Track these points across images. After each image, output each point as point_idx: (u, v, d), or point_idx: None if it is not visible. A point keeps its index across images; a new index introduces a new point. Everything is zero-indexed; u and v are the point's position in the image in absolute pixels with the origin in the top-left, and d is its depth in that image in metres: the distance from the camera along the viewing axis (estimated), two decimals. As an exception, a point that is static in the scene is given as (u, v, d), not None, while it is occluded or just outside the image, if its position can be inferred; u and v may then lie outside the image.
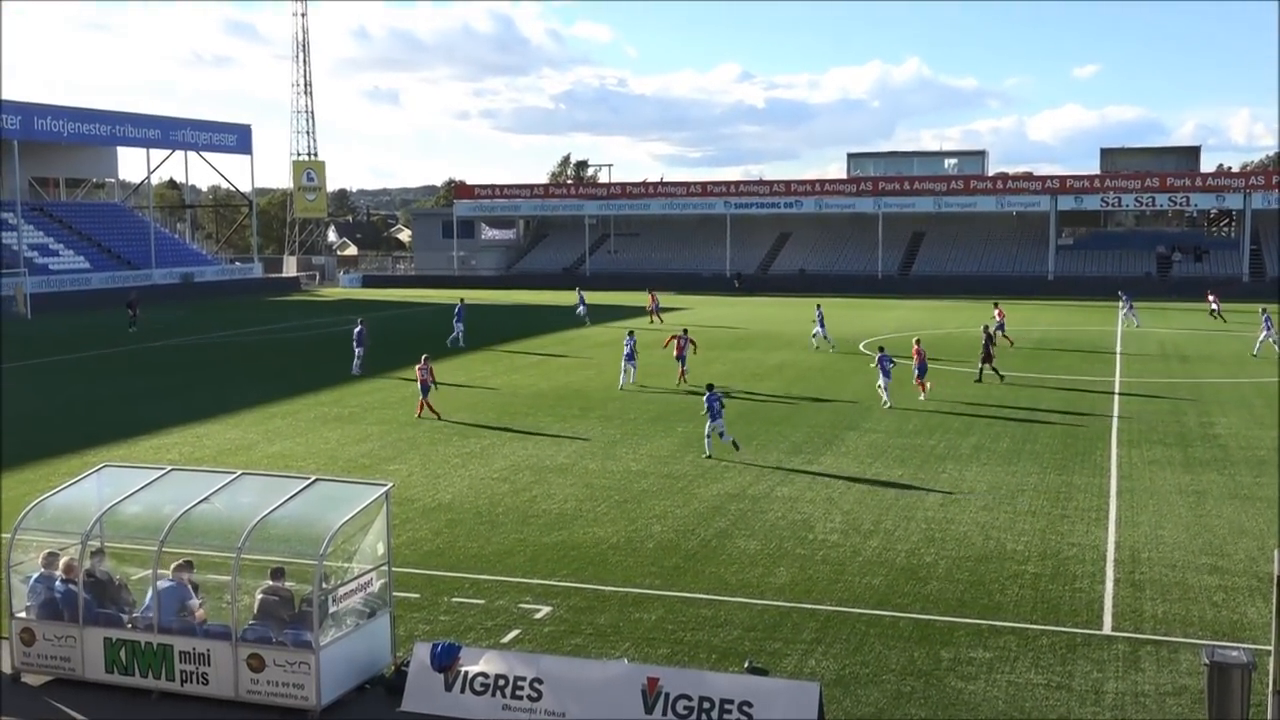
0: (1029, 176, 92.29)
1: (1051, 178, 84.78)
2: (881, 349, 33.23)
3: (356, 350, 39.22)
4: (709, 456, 24.93)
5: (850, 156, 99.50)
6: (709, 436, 25.41)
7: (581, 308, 57.36)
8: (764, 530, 19.59)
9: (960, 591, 16.48)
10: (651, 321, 55.18)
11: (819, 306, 48.81)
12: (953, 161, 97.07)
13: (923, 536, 19.17)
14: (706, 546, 18.72)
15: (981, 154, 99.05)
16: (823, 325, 45.56)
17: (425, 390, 30.43)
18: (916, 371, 32.74)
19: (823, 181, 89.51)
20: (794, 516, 20.43)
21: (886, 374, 31.45)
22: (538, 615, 15.65)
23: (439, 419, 29.72)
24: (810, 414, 30.49)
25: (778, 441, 26.89)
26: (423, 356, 31.32)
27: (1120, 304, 53.71)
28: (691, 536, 19.27)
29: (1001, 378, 36.10)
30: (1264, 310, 45.13)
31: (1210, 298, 57.70)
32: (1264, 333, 42.72)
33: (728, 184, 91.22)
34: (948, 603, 16.03)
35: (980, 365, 36.37)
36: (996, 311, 47.61)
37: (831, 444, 26.63)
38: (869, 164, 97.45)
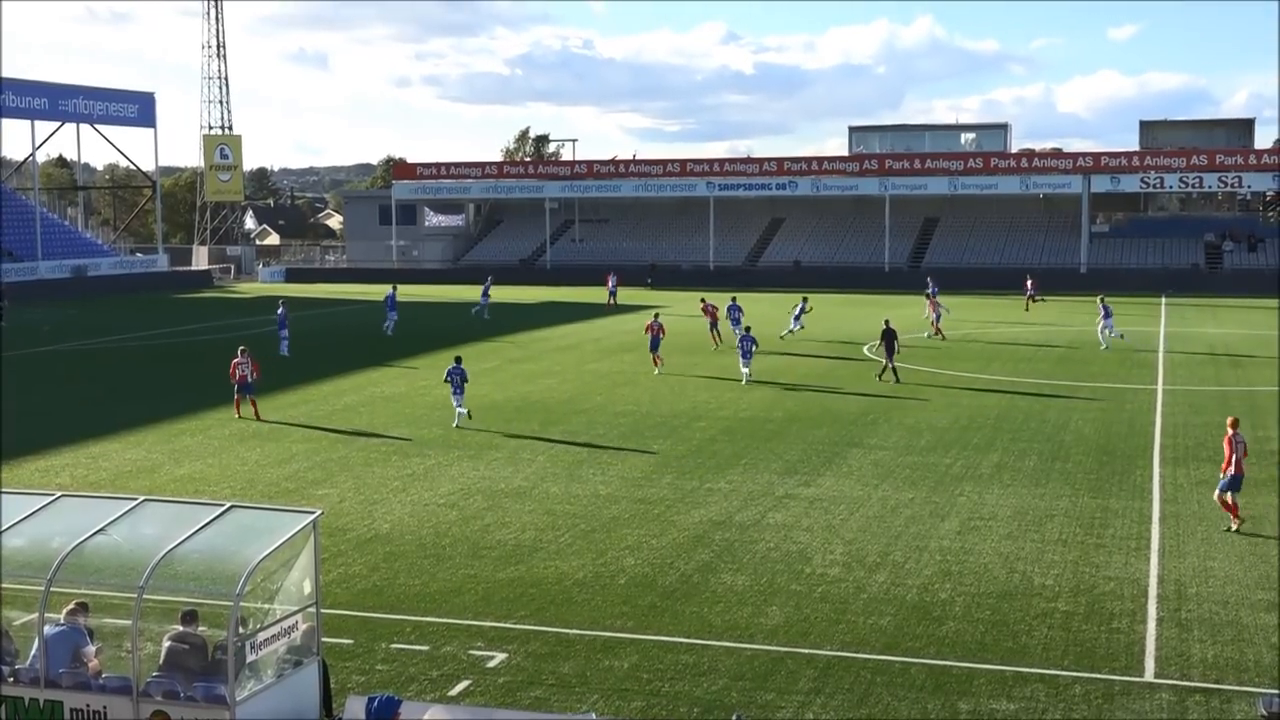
0: (1058, 154, 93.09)
1: (1084, 155, 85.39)
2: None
3: (281, 333, 44.88)
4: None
5: (852, 131, 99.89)
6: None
7: (484, 300, 59.55)
8: (754, 563, 19.62)
9: (980, 633, 16.56)
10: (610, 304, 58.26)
11: (805, 299, 52.08)
12: (970, 136, 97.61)
13: (937, 570, 19.25)
14: (687, 582, 18.74)
15: (1003, 128, 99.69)
16: (797, 319, 48.94)
17: (246, 388, 32.75)
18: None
19: (821, 159, 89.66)
20: (788, 547, 20.48)
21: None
22: (491, 663, 15.63)
23: (256, 419, 32.10)
24: (806, 428, 30.59)
25: (769, 460, 26.97)
26: (239, 349, 33.66)
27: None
28: (670, 571, 19.29)
29: (891, 374, 38.06)
30: (1102, 299, 48.28)
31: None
32: (1101, 321, 46.87)
33: (711, 162, 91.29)
34: (966, 646, 16.10)
35: (886, 363, 38.47)
36: (929, 304, 51.16)
37: (831, 463, 26.72)
38: (874, 139, 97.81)
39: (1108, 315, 46.73)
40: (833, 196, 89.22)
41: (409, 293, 72.50)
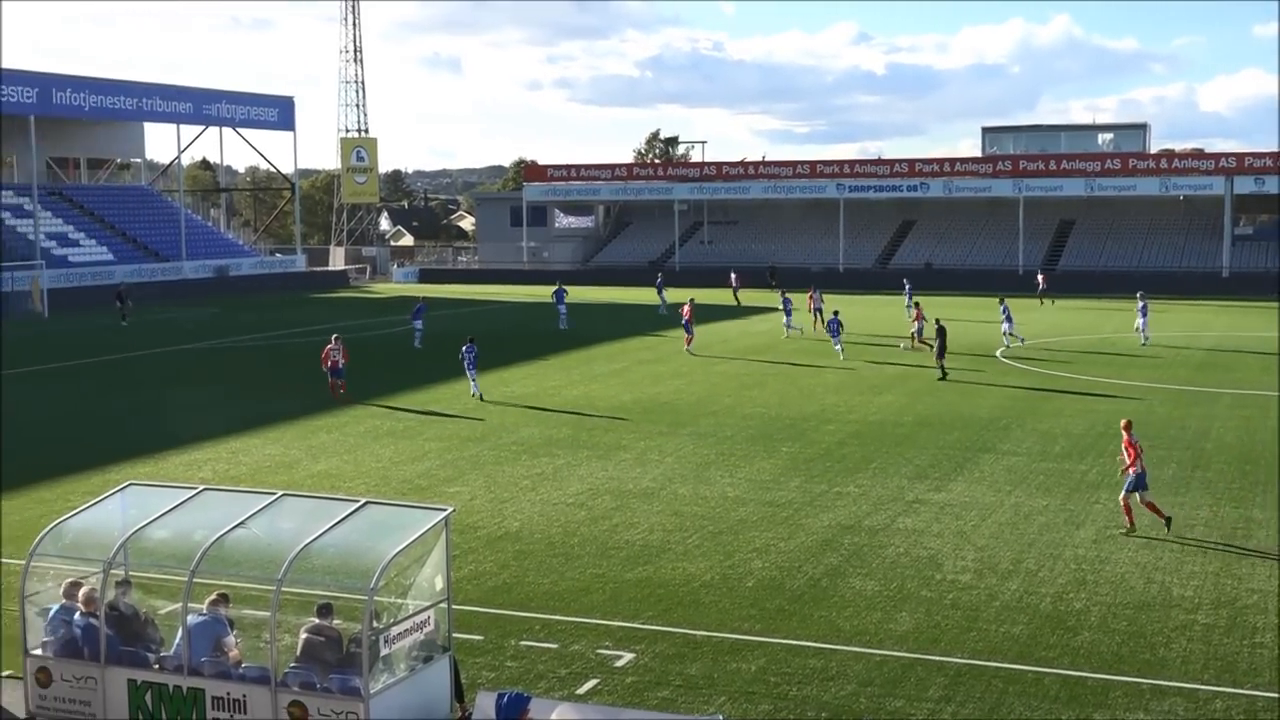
0: (1199, 154, 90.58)
1: (1226, 155, 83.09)
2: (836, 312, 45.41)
3: (415, 323, 47.65)
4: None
5: (985, 131, 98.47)
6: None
7: (561, 308, 56.27)
8: (883, 568, 19.45)
9: (1116, 644, 16.20)
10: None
11: (910, 291, 55.24)
12: (1108, 137, 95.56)
13: (1072, 578, 18.88)
14: (815, 586, 18.64)
15: (1142, 128, 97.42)
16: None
17: (337, 373, 35.62)
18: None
19: (953, 160, 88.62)
20: (918, 553, 20.26)
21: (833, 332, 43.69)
22: (619, 663, 15.69)
23: (337, 395, 35.19)
24: (938, 433, 30.22)
25: (899, 465, 26.70)
26: (333, 336, 36.64)
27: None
28: (798, 574, 19.20)
29: (944, 375, 38.61)
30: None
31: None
32: (1140, 320, 48.14)
33: (841, 164, 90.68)
34: (1101, 657, 15.77)
35: (940, 363, 39.02)
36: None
37: (963, 468, 26.37)
38: (1008, 140, 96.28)
39: (1144, 313, 47.71)
40: (965, 198, 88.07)
41: (539, 294, 73.21)
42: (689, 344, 46.31)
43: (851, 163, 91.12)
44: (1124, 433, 21.78)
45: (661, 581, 18.88)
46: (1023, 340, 47.91)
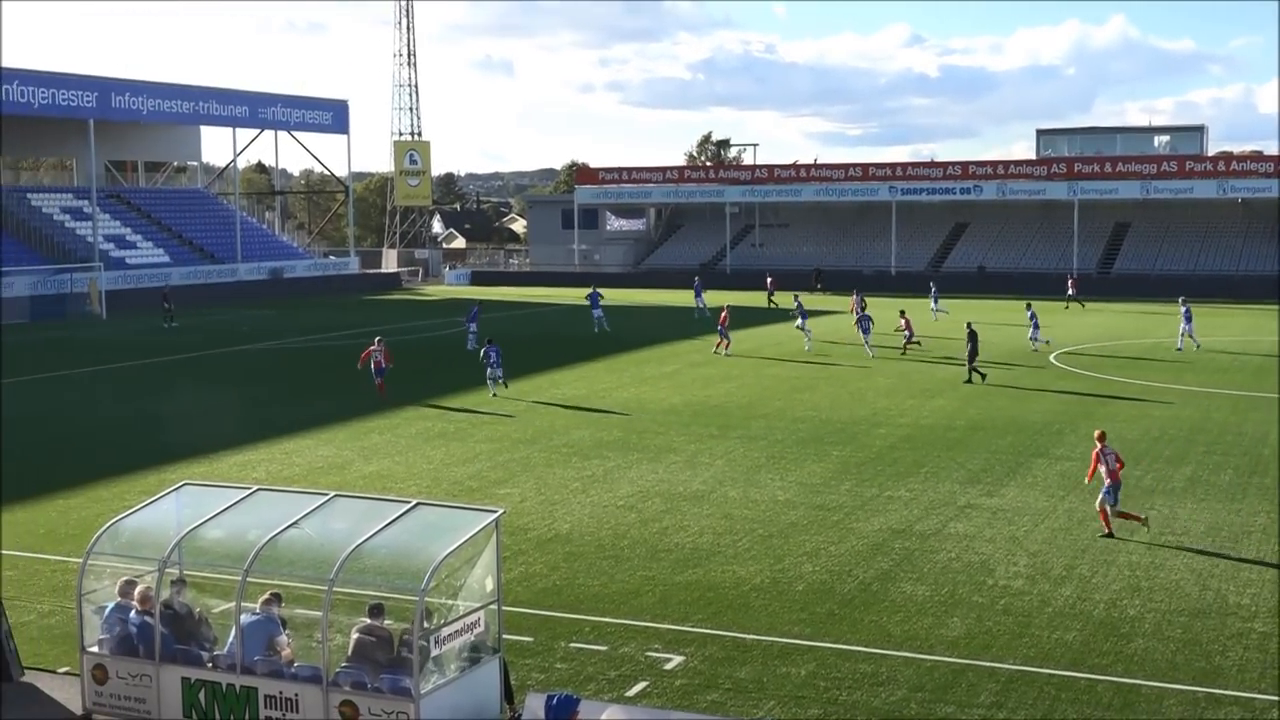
0: (1258, 156, 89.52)
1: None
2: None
3: (470, 326, 47.63)
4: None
5: (1040, 134, 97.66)
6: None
7: (597, 312, 55.78)
8: (934, 573, 19.34)
9: (1171, 652, 16.03)
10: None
11: (936, 294, 54.70)
12: (1164, 139, 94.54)
13: (1126, 585, 18.70)
14: (866, 591, 18.57)
15: (1199, 130, 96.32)
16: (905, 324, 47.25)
17: (380, 372, 36.41)
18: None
19: (1007, 163, 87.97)
20: (970, 558, 20.13)
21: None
22: (668, 665, 15.69)
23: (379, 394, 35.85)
24: (990, 437, 30.02)
25: (951, 470, 26.55)
26: (376, 338, 37.18)
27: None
28: (848, 579, 19.13)
29: (983, 377, 38.44)
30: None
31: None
32: (1183, 325, 47.19)
33: (893, 166, 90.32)
34: (1156, 665, 15.60)
35: (969, 366, 38.81)
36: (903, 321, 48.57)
37: (1016, 473, 26.18)
38: (1062, 142, 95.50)
39: (1189, 319, 47.08)
40: (1019, 201, 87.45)
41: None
42: (726, 348, 46.13)
43: (904, 165, 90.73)
44: (1096, 443, 21.74)
45: (711, 584, 18.86)
46: (1048, 342, 47.65)
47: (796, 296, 54.82)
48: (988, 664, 15.65)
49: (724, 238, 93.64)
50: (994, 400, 35.52)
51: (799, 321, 49.89)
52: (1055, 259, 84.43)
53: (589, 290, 58.74)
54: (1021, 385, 38.28)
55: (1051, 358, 44.76)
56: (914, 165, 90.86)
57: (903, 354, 45.71)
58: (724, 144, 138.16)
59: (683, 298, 67.99)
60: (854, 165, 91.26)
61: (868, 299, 56.20)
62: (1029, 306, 48.97)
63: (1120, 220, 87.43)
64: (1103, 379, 39.54)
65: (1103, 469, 21.40)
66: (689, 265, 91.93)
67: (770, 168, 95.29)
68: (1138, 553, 20.32)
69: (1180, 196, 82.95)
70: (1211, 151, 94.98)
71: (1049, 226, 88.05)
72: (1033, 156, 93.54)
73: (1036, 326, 47.32)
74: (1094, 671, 15.39)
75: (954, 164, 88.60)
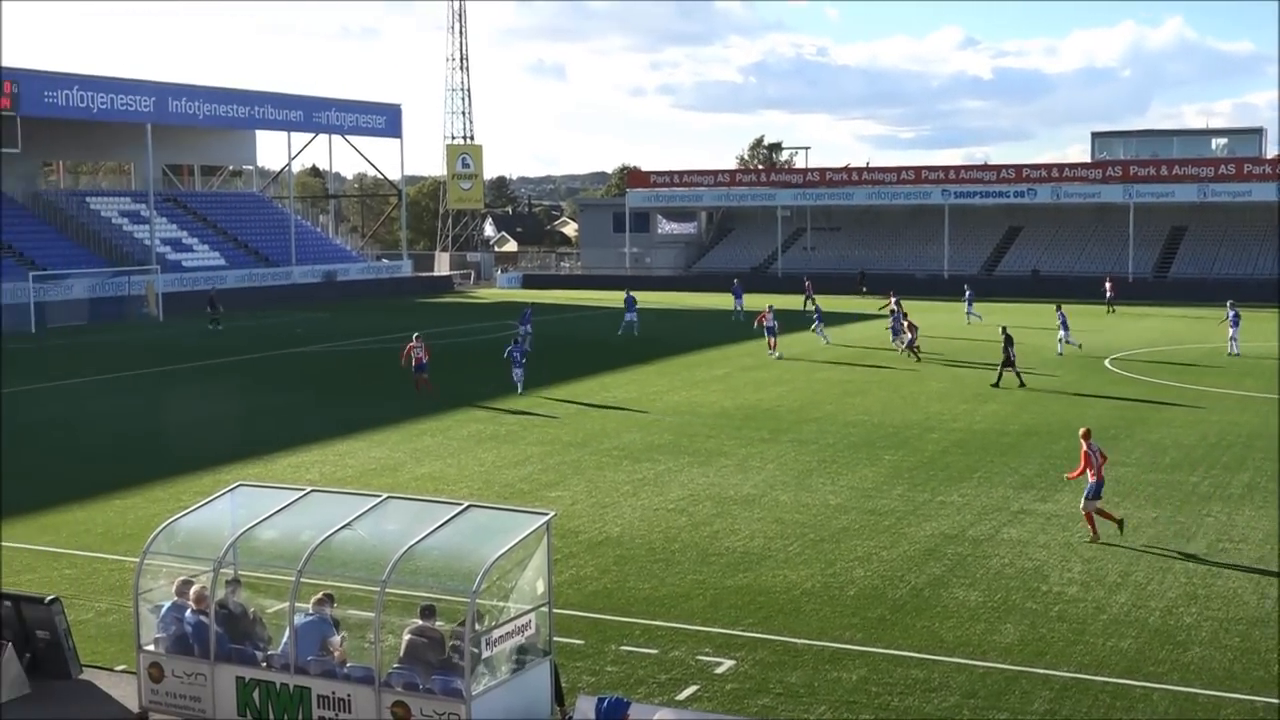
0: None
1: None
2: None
3: (522, 329, 47.48)
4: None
5: (1095, 136, 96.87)
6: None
7: (630, 315, 56.08)
8: (987, 579, 19.20)
9: (1229, 661, 15.82)
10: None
11: (971, 298, 57.03)
12: (1221, 141, 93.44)
13: (1182, 592, 18.49)
14: (918, 596, 18.46)
15: (1258, 132, 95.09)
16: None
17: (420, 368, 37.35)
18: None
19: (1061, 166, 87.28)
20: (1023, 564, 19.97)
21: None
22: (719, 670, 15.66)
23: (418, 391, 36.87)
24: (1044, 442, 29.76)
25: (1004, 474, 26.34)
26: (414, 335, 38.29)
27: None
28: (900, 584, 19.03)
29: (1020, 382, 38.19)
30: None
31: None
32: (1231, 329, 46.99)
33: (946, 169, 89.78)
34: (1213, 674, 15.41)
35: (1000, 369, 38.75)
36: (893, 301, 51.39)
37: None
38: (1118, 145, 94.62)
39: (1236, 323, 46.87)
40: (1074, 204, 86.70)
41: (642, 300, 73.44)
42: (773, 348, 46.66)
43: (957, 168, 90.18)
44: (1082, 441, 21.72)
45: (762, 589, 18.81)
46: (1079, 345, 47.29)
47: (811, 296, 54.94)
48: (1041, 671, 15.51)
49: (775, 241, 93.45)
50: (1048, 405, 35.21)
51: (817, 327, 50.65)
52: (1110, 263, 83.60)
53: (625, 293, 59.09)
54: (1076, 390, 37.94)
55: (1106, 362, 44.33)
56: (967, 168, 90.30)
57: (910, 355, 45.34)
58: (775, 147, 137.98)
59: (732, 301, 67.87)
60: (906, 168, 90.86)
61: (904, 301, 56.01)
62: (1059, 309, 48.76)
63: (1176, 224, 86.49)
64: (1158, 384, 39.13)
65: (1090, 467, 21.38)
66: (740, 269, 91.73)
67: (822, 171, 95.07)
68: (1194, 560, 20.09)
69: (1238, 200, 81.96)
70: (1270, 154, 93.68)
71: (1104, 230, 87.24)
72: (1088, 159, 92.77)
73: (1066, 329, 47.04)
74: (1149, 680, 15.22)
75: (1007, 167, 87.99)
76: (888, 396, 36.96)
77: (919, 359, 44.94)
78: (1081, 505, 21.59)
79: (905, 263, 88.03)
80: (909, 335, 46.04)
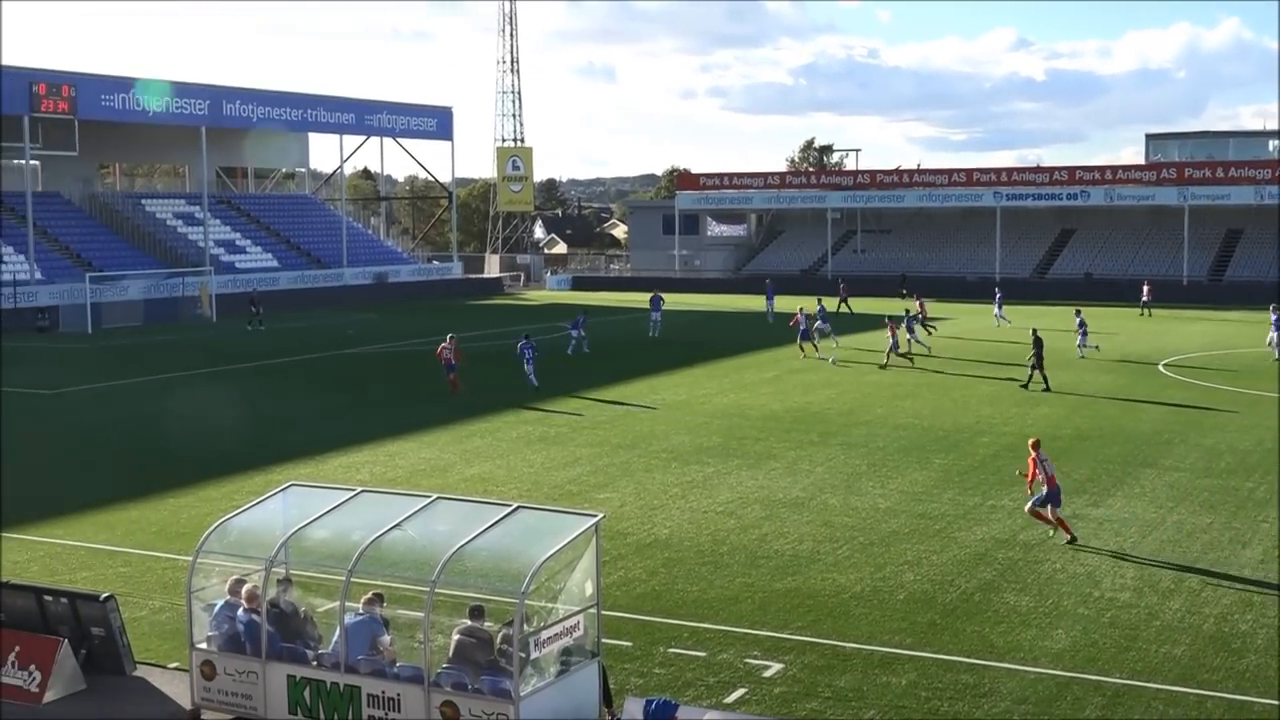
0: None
1: (1407, 162, 79.59)
2: None
3: (573, 333, 48.36)
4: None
5: (1149, 138, 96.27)
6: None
7: (656, 315, 56.42)
8: (1039, 584, 19.06)
9: (1285, 669, 15.62)
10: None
11: (1001, 299, 56.91)
12: (1278, 143, 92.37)
13: (1237, 599, 18.27)
14: (968, 601, 18.35)
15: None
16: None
17: (451, 368, 38.00)
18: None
19: (1115, 168, 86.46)
20: (1075, 569, 19.80)
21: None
22: (767, 673, 15.63)
23: (453, 390, 37.68)
24: (1097, 447, 29.50)
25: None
26: (448, 335, 39.25)
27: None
28: (950, 588, 18.92)
29: (1046, 387, 37.80)
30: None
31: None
32: (1273, 333, 46.57)
33: (998, 171, 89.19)
34: (1269, 681, 15.22)
35: (1030, 371, 38.41)
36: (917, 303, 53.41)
37: (1122, 483, 25.70)
38: (1172, 147, 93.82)
39: (1279, 327, 46.44)
40: (1127, 206, 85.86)
41: (692, 302, 73.49)
42: (814, 349, 47.17)
43: (1009, 170, 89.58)
44: (1031, 450, 21.58)
45: (811, 592, 18.75)
46: (1097, 348, 46.95)
47: (820, 301, 54.77)
48: (1093, 677, 15.37)
49: (825, 244, 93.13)
50: (1100, 409, 34.90)
51: (820, 324, 50.21)
52: (1164, 265, 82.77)
53: (651, 294, 59.08)
54: (1128, 395, 37.57)
55: (1161, 366, 43.88)
56: (1019, 170, 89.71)
57: (887, 363, 44.24)
58: (826, 149, 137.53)
59: (783, 303, 67.72)
60: (958, 170, 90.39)
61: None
62: (1078, 313, 48.59)
63: (1232, 226, 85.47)
64: (1212, 388, 38.70)
65: (1041, 475, 21.32)
66: (790, 271, 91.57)
67: (872, 173, 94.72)
68: (1249, 566, 19.85)
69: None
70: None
71: (1158, 233, 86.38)
72: (1142, 161, 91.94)
73: (1085, 334, 46.78)
74: (1204, 687, 15.05)
75: (1060, 169, 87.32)
76: (938, 400, 36.75)
77: (912, 360, 44.84)
78: (1048, 511, 21.46)
79: (956, 265, 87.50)
80: (892, 339, 45.14)
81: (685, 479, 26.35)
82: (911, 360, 44.50)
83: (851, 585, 19.07)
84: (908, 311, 51.11)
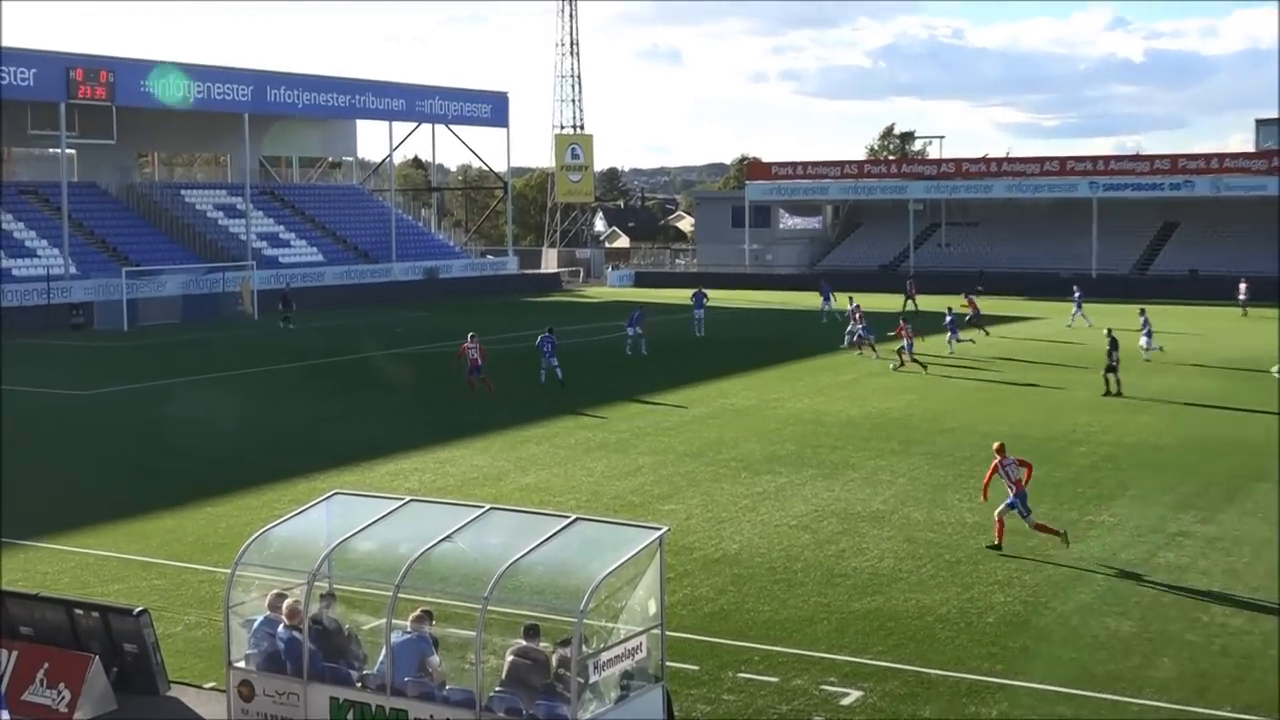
0: None
1: None
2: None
3: (629, 331, 48.87)
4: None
5: (1259, 124, 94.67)
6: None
7: (699, 312, 56.34)
8: (1141, 607, 18.74)
9: None
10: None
11: (1080, 299, 58.58)
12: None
13: (1361, 626, 17.85)
14: (1064, 625, 18.07)
15: None
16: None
17: (476, 370, 38.54)
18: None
19: (1222, 156, 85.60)
20: (1182, 591, 19.45)
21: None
22: (845, 701, 15.45)
23: (488, 391, 38.05)
24: (1205, 458, 29.04)
25: (1159, 493, 25.72)
26: (469, 335, 39.71)
27: None
28: (1044, 611, 18.64)
29: (1118, 390, 37.60)
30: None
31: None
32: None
33: (1094, 160, 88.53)
34: (1398, 717, 14.84)
35: (1106, 375, 38.18)
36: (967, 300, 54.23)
37: (1234, 498, 25.26)
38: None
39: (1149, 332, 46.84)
40: (1236, 197, 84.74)
41: (763, 300, 73.25)
42: (874, 353, 46.86)
43: (1106, 158, 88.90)
44: (995, 455, 21.67)
45: (892, 614, 18.54)
46: (1161, 349, 46.41)
47: (852, 299, 54.08)
48: (1203, 710, 15.07)
49: (907, 237, 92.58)
50: (1208, 417, 34.36)
51: (853, 325, 49.56)
52: (1276, 262, 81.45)
53: (694, 291, 59.06)
54: (1236, 402, 36.95)
55: (1274, 370, 43.14)
56: (1117, 159, 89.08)
57: (902, 364, 44.00)
58: (908, 136, 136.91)
59: (861, 302, 67.40)
60: (1050, 159, 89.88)
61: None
62: (1143, 312, 48.26)
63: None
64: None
65: (1005, 481, 21.38)
66: (868, 266, 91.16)
67: (957, 162, 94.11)
68: (1375, 590, 19.41)
69: None
70: None
71: (1269, 226, 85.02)
72: (1251, 149, 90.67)
73: (1150, 334, 46.18)
74: (1325, 722, 14.71)
75: (1162, 157, 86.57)
76: (1028, 406, 36.36)
77: (904, 364, 44.25)
78: (996, 512, 21.67)
79: (1049, 261, 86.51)
80: (906, 340, 44.58)
81: (756, 490, 26.19)
82: (925, 367, 43.80)
83: (936, 606, 18.83)
84: (950, 309, 50.68)
